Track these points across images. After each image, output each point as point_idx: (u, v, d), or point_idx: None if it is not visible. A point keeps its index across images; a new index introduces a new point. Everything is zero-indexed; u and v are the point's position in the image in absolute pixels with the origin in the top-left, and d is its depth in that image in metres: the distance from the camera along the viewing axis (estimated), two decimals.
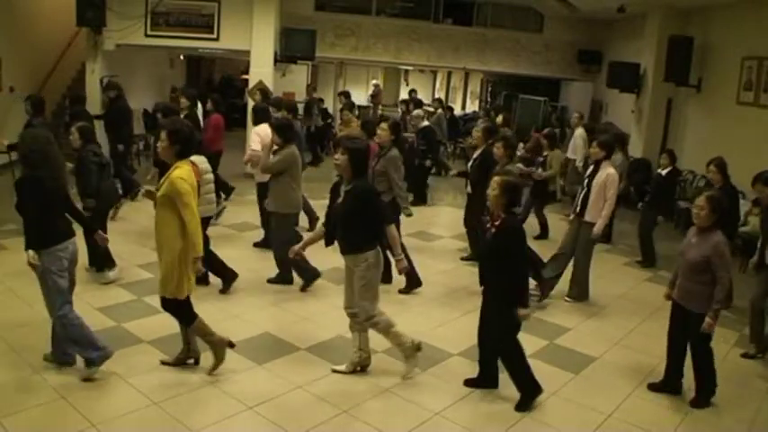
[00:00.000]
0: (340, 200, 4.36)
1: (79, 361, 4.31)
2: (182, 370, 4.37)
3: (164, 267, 4.11)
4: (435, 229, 8.81)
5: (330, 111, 16.18)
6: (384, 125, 6.21)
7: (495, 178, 4.20)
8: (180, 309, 4.25)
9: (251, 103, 10.45)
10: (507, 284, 4.09)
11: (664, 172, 7.78)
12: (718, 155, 6.49)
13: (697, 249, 4.25)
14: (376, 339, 4.97)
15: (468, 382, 4.44)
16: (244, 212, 8.46)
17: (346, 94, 13.75)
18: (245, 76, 14.32)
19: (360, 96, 19.38)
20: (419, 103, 13.51)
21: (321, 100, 15.80)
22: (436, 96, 22.01)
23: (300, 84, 16.24)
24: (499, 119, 10.37)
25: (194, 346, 4.42)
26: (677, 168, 8.07)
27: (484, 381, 4.42)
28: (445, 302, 6.06)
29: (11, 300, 5.30)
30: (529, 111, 14.91)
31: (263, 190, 7.07)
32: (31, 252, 3.95)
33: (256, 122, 7.29)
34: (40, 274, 4.05)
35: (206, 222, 5.78)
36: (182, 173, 4.07)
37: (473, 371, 4.47)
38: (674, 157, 7.88)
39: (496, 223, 4.15)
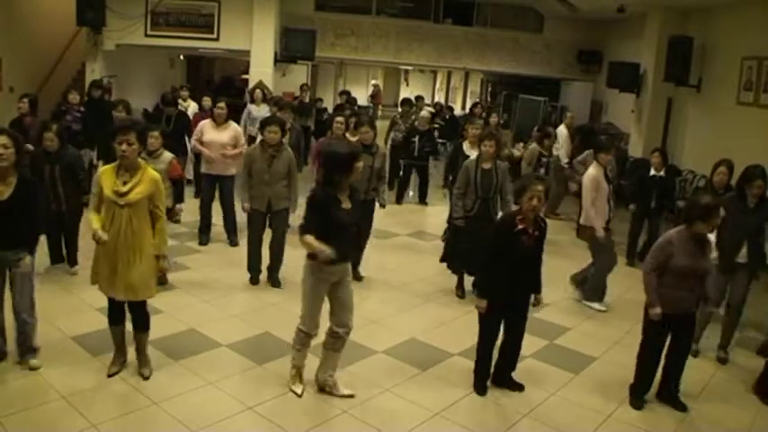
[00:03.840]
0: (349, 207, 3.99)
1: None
2: (181, 371, 4.36)
3: (139, 271, 4.00)
4: (433, 229, 8.80)
5: (329, 111, 16.17)
6: (366, 128, 6.26)
7: (539, 186, 4.08)
8: (145, 311, 4.20)
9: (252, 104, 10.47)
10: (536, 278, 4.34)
11: (661, 173, 7.43)
12: (717, 155, 6.36)
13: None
14: (376, 340, 4.98)
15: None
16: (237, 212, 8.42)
17: (347, 94, 13.74)
18: (245, 76, 14.32)
19: (360, 96, 19.38)
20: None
21: (320, 100, 15.80)
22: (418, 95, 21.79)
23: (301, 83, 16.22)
24: (494, 119, 10.41)
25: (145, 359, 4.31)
26: (674, 167, 7.96)
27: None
28: (444, 302, 6.05)
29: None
30: (529, 111, 14.90)
31: (229, 185, 7.24)
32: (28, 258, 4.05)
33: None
34: (24, 277, 4.09)
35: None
36: (155, 173, 4.08)
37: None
38: (666, 156, 7.65)
39: (543, 225, 4.23)
